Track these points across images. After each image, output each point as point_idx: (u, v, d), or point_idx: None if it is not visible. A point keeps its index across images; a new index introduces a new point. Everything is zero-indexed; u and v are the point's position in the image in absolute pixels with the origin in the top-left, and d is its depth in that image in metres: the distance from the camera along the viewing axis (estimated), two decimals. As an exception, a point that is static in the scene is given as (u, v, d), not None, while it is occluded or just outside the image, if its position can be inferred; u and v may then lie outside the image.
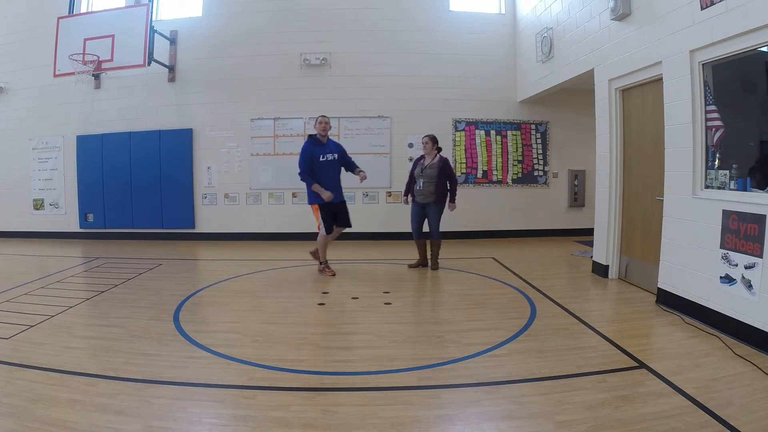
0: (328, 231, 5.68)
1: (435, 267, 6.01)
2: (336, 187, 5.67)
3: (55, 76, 7.80)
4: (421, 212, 5.97)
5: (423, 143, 5.92)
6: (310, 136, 5.74)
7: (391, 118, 8.36)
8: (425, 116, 8.26)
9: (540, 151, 8.68)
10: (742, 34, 3.38)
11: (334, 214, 5.72)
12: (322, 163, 5.59)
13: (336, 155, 5.71)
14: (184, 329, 3.82)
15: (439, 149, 5.94)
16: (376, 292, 5.04)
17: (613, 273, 5.41)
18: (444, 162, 5.85)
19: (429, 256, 6.07)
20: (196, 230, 8.64)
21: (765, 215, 3.25)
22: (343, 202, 5.86)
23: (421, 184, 5.83)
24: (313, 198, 5.64)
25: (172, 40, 8.41)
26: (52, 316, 4.11)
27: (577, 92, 7.42)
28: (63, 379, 2.88)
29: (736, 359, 3.12)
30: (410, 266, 6.12)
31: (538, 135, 8.65)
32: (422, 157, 5.99)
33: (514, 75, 8.47)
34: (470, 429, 2.40)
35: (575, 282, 5.56)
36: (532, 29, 7.59)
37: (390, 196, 8.35)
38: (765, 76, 3.72)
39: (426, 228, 5.98)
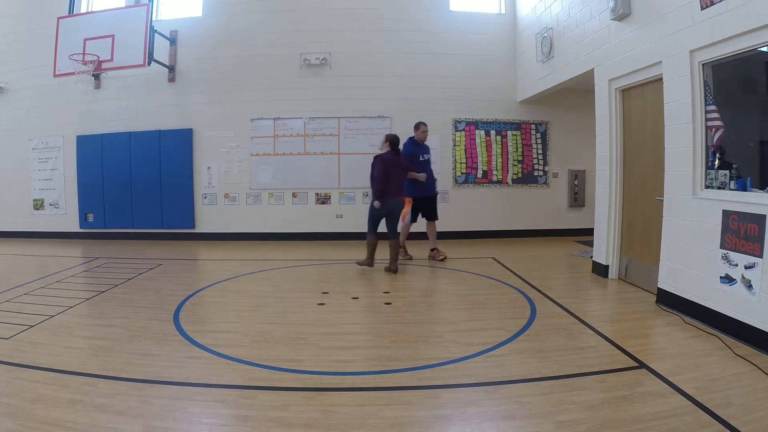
0: (413, 220, 6.59)
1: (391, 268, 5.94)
2: (431, 182, 6.57)
3: (55, 76, 7.80)
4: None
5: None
6: (410, 138, 6.58)
7: (391, 118, 8.36)
8: (425, 116, 8.17)
9: (540, 151, 8.68)
10: (742, 34, 3.38)
11: (425, 207, 6.58)
12: (421, 162, 6.44)
13: (429, 156, 6.63)
14: (184, 329, 3.82)
15: (394, 148, 6.00)
16: (376, 292, 5.04)
17: (613, 273, 5.41)
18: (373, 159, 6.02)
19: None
20: (196, 230, 8.64)
21: (765, 215, 3.24)
22: (434, 196, 6.67)
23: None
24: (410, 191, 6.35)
25: (172, 40, 8.41)
26: (52, 316, 4.11)
27: (577, 92, 7.42)
28: (63, 379, 2.88)
29: (736, 359, 3.11)
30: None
31: (538, 135, 8.65)
32: None
33: (514, 75, 8.47)
34: (470, 429, 2.40)
35: (575, 282, 5.56)
36: (532, 29, 7.59)
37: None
38: (765, 76, 3.73)
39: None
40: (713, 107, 3.83)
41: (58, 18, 7.83)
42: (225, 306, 4.65)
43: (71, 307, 4.43)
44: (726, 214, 3.59)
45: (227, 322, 4.12)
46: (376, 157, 5.96)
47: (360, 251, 7.20)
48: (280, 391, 2.80)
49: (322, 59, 8.27)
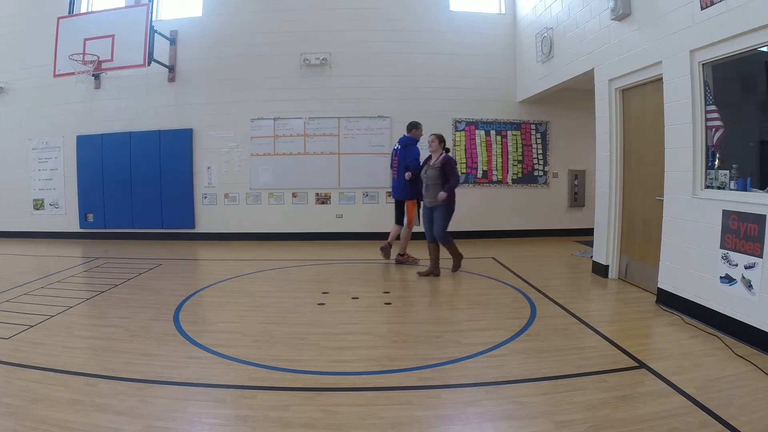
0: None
1: (455, 269, 5.81)
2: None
3: (55, 76, 7.80)
4: (429, 215, 5.67)
5: (429, 142, 5.67)
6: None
7: (391, 118, 8.36)
8: (425, 116, 8.19)
9: (540, 151, 8.68)
10: (742, 34, 3.38)
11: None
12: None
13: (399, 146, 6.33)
14: (184, 329, 3.82)
15: (447, 149, 5.67)
16: (376, 292, 5.04)
17: (613, 273, 5.41)
18: (445, 161, 5.51)
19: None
20: (196, 230, 8.64)
21: (765, 215, 3.24)
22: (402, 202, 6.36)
23: (426, 186, 5.59)
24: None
25: (172, 40, 8.41)
26: (52, 316, 4.11)
27: (577, 92, 7.42)
28: (63, 379, 2.88)
29: (736, 359, 3.11)
30: (420, 274, 5.70)
31: (538, 135, 8.65)
32: (430, 157, 5.71)
33: (514, 75, 8.48)
34: (470, 429, 2.40)
35: (575, 282, 5.56)
36: (532, 29, 7.59)
37: (390, 195, 8.34)
38: (765, 76, 3.72)
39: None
40: (713, 107, 3.83)
41: (58, 18, 7.83)
42: (225, 306, 4.65)
43: (71, 307, 4.43)
44: (726, 214, 3.59)
45: (227, 322, 4.12)
46: (447, 161, 5.53)
47: (359, 251, 7.22)
48: (280, 391, 2.79)
49: (322, 59, 8.27)
